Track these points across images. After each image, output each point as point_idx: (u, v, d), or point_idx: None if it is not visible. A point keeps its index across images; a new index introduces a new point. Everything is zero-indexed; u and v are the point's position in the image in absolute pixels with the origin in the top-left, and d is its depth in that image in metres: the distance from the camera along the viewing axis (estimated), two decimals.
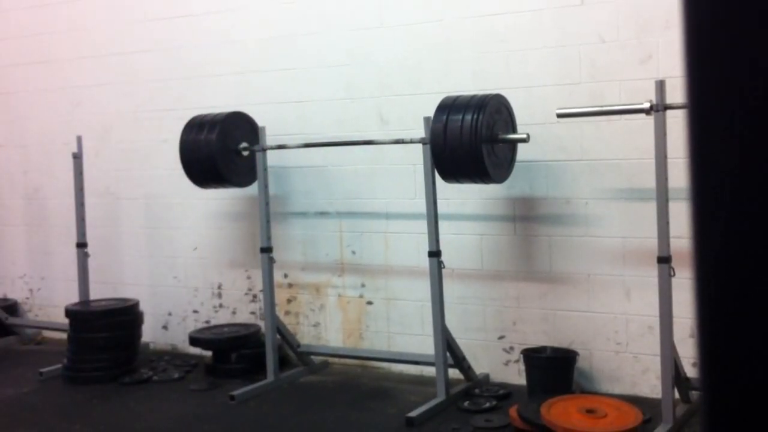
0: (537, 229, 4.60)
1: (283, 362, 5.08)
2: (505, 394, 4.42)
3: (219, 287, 5.65)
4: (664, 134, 3.65)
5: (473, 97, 4.12)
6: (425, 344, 4.73)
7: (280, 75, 5.27)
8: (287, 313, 5.36)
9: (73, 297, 5.67)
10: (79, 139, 5.61)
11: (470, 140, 3.99)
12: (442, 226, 4.44)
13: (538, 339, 4.60)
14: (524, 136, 4.19)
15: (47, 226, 6.34)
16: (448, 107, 4.12)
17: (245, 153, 4.94)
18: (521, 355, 4.50)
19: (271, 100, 5.29)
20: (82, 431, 4.19)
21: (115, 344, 5.13)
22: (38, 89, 6.30)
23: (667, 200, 3.66)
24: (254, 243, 5.29)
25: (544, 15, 4.46)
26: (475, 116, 4.00)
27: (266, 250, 4.85)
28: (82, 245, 5.61)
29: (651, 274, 3.89)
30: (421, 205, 4.47)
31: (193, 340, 5.21)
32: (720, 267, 0.62)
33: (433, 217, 4.31)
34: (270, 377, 4.80)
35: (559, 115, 4.06)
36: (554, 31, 4.43)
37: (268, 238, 4.86)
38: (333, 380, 4.94)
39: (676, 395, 3.91)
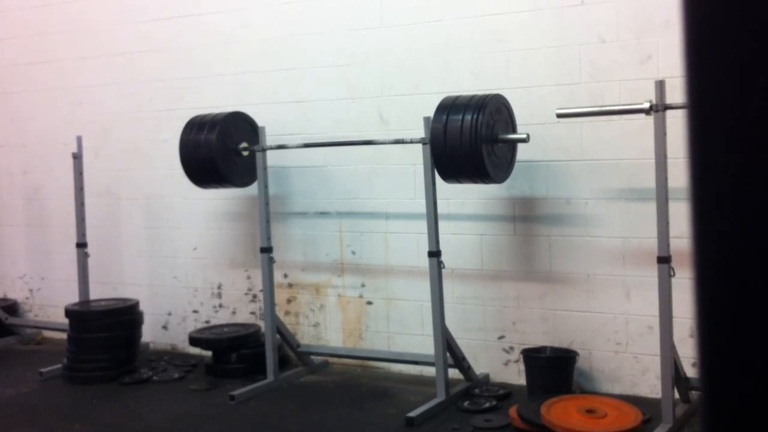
0: (537, 229, 4.60)
1: (283, 362, 5.08)
2: (505, 394, 4.42)
3: (219, 287, 5.65)
4: (664, 134, 3.66)
5: (473, 97, 4.12)
6: (425, 344, 4.73)
7: (280, 75, 5.27)
8: (287, 313, 5.36)
9: (73, 297, 5.67)
10: (79, 139, 5.61)
11: (470, 140, 3.99)
12: (442, 226, 4.44)
13: (538, 339, 4.60)
14: (524, 136, 4.19)
15: (47, 226, 6.34)
16: (448, 107, 4.12)
17: (245, 153, 4.94)
18: (521, 355, 4.50)
19: (271, 100, 5.29)
20: (82, 431, 4.19)
21: (115, 344, 5.13)
22: (39, 89, 6.30)
23: (667, 200, 3.66)
24: (254, 243, 5.29)
25: (544, 15, 4.46)
26: (475, 116, 4.00)
27: (266, 250, 4.85)
28: (82, 245, 5.61)
29: (651, 274, 3.89)
30: (421, 205, 4.47)
31: (193, 340, 5.20)
32: (720, 267, 0.62)
33: (433, 217, 4.31)
34: (270, 377, 4.80)
35: (559, 115, 4.06)
36: (554, 31, 4.43)
37: (268, 238, 4.86)
38: (333, 380, 4.94)
39: (676, 395, 3.91)
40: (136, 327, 5.33)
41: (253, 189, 5.05)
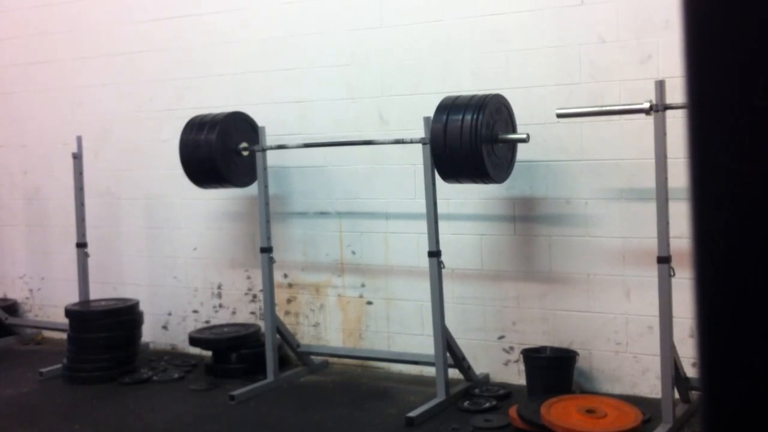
0: (537, 229, 4.60)
1: (283, 362, 5.08)
2: (505, 394, 4.42)
3: (219, 287, 5.65)
4: (664, 134, 3.66)
5: (473, 97, 4.12)
6: (425, 344, 4.73)
7: (280, 75, 5.27)
8: (287, 313, 5.36)
9: (73, 297, 5.67)
10: (79, 139, 5.61)
11: (470, 140, 3.99)
12: (442, 226, 4.44)
13: (538, 339, 4.60)
14: (524, 136, 4.19)
15: (47, 226, 6.34)
16: (448, 107, 4.12)
17: (245, 153, 4.94)
18: (521, 355, 4.50)
19: (271, 100, 5.29)
20: (82, 431, 4.19)
21: (115, 344, 5.13)
22: (39, 89, 6.30)
23: (667, 200, 3.66)
24: (254, 243, 5.29)
25: (544, 15, 4.46)
26: (475, 116, 4.00)
27: (266, 250, 4.85)
28: (82, 245, 5.61)
29: (651, 274, 3.89)
30: (421, 205, 4.47)
31: (193, 340, 5.20)
32: (720, 267, 0.62)
33: (433, 217, 4.31)
34: (270, 377, 4.80)
35: (559, 115, 4.06)
36: (554, 31, 4.43)
37: (268, 238, 4.86)
38: (333, 380, 4.94)
39: (676, 395, 3.91)
40: (136, 327, 5.33)
41: (253, 189, 5.05)
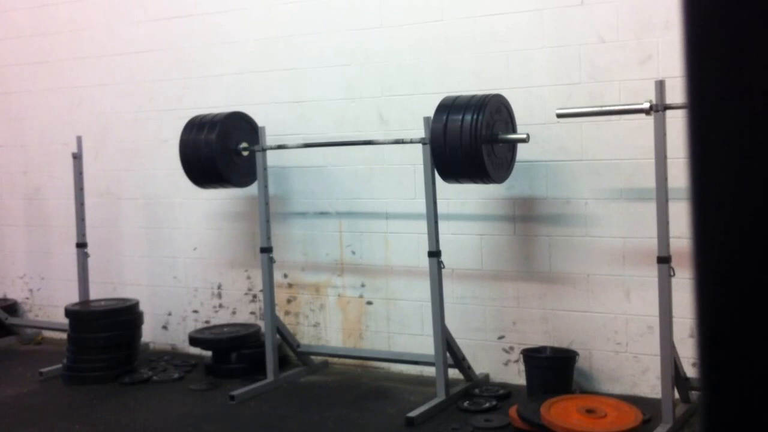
0: (537, 229, 4.60)
1: (283, 362, 5.08)
2: (505, 394, 4.42)
3: (219, 287, 5.65)
4: (664, 134, 3.66)
5: (473, 97, 4.12)
6: (425, 344, 4.73)
7: (280, 75, 5.27)
8: (287, 313, 5.36)
9: (73, 297, 5.67)
10: (78, 139, 5.61)
11: (470, 140, 3.99)
12: (442, 226, 4.44)
13: (538, 339, 4.60)
14: (524, 136, 4.19)
15: (47, 226, 6.34)
16: (448, 107, 4.12)
17: (245, 153, 4.94)
18: (521, 355, 4.50)
19: (271, 100, 5.29)
20: (82, 431, 4.19)
21: (115, 344, 5.13)
22: (38, 89, 6.30)
23: (667, 200, 3.66)
24: (254, 243, 5.29)
25: (544, 15, 4.46)
26: (475, 116, 4.00)
27: (266, 250, 4.85)
28: (82, 245, 5.61)
29: (651, 274, 3.89)
30: (421, 205, 4.47)
31: (193, 340, 5.20)
32: (720, 267, 0.62)
33: (433, 217, 4.31)
34: (270, 377, 4.80)
35: (559, 115, 4.06)
36: (554, 31, 4.43)
37: (268, 238, 4.86)
38: (333, 380, 4.94)
39: (676, 395, 3.91)
40: (136, 327, 5.33)
41: (253, 189, 5.05)
